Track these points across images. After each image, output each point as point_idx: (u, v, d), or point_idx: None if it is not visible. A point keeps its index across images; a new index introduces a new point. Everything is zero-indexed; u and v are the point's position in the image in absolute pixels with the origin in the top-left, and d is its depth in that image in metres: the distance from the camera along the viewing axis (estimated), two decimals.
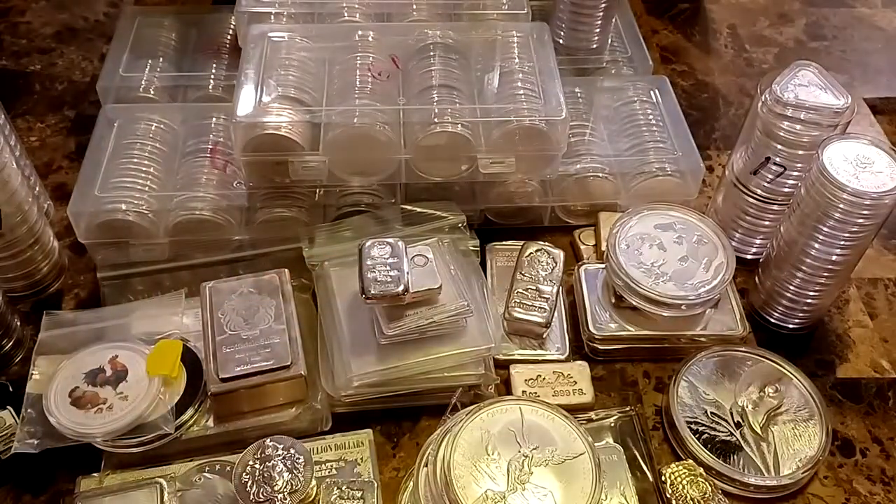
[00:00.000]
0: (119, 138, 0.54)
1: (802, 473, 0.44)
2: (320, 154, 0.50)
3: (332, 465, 0.42)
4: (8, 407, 0.44)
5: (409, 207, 0.53)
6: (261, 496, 0.38)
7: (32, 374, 0.45)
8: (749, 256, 0.56)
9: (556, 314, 0.50)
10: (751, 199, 0.53)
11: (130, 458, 0.42)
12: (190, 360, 0.45)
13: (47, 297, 0.52)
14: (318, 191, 0.54)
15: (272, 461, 0.39)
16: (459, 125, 0.50)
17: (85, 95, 0.66)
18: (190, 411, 0.43)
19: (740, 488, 0.44)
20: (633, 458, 0.44)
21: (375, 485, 0.42)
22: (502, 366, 0.48)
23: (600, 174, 0.56)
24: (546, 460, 0.35)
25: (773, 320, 0.52)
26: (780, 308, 0.51)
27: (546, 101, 0.52)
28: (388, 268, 0.43)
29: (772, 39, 0.76)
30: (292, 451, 0.40)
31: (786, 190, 0.51)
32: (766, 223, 0.54)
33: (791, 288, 0.50)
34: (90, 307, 0.50)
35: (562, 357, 0.49)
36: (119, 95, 0.59)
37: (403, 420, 0.46)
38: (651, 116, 0.60)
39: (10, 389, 0.46)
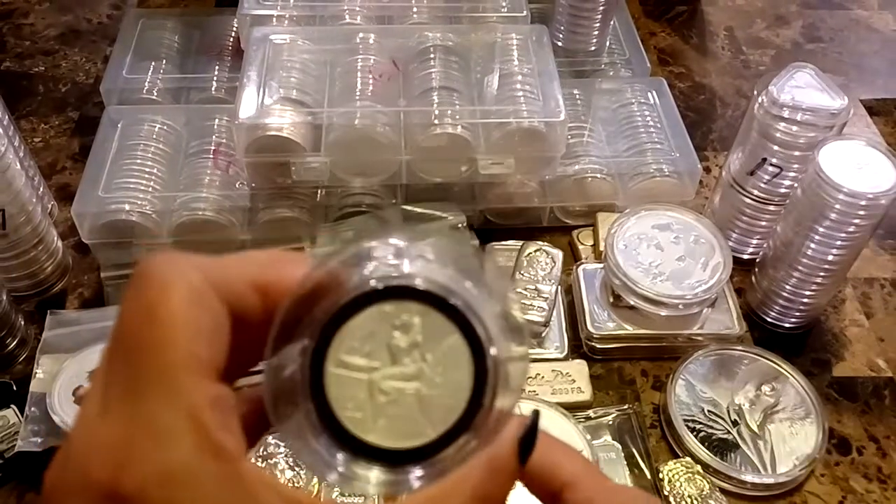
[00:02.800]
0: (122, 139, 0.54)
1: (799, 471, 0.44)
2: (322, 155, 0.50)
3: None
4: (12, 405, 0.45)
5: (409, 208, 0.53)
6: None
7: (36, 372, 0.45)
8: (746, 256, 0.56)
9: (554, 313, 0.50)
10: (747, 200, 0.54)
11: None
12: None
13: (51, 297, 0.52)
14: (319, 192, 0.54)
15: (275, 458, 0.40)
16: (459, 126, 0.51)
17: (88, 97, 0.66)
18: None
19: (737, 486, 0.44)
20: (631, 456, 0.45)
21: None
22: None
23: (598, 175, 0.57)
24: None
25: (769, 319, 0.53)
26: (777, 307, 0.52)
27: (545, 103, 0.52)
28: None
29: (769, 41, 0.77)
30: None
31: (782, 190, 0.52)
32: (763, 223, 0.54)
33: (787, 287, 0.50)
34: (94, 307, 0.51)
35: (560, 356, 0.49)
36: (122, 97, 0.59)
37: None
38: (649, 118, 0.60)
39: (14, 388, 0.46)
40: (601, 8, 0.62)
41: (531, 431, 0.17)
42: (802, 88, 0.50)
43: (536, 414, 0.17)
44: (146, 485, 0.15)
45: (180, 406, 0.15)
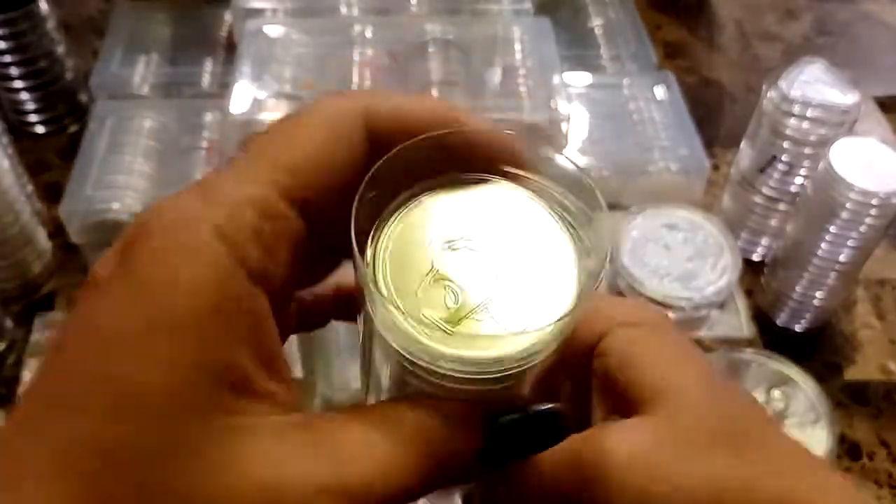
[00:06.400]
0: (112, 136, 0.53)
1: None
2: None
3: None
4: (1, 409, 0.44)
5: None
6: None
7: (24, 376, 0.44)
8: (755, 258, 0.55)
9: None
10: (757, 199, 0.52)
11: None
12: None
13: (40, 299, 0.51)
14: None
15: None
16: None
17: (78, 92, 0.65)
18: None
19: None
20: None
21: None
22: None
23: (603, 172, 0.55)
24: None
25: (779, 322, 0.51)
26: (787, 309, 0.51)
27: (548, 98, 0.51)
28: None
29: (778, 35, 0.75)
30: None
31: (793, 189, 0.51)
32: (773, 223, 0.53)
33: (798, 289, 0.49)
34: None
35: None
36: (112, 92, 0.58)
37: None
38: (655, 114, 0.59)
39: (3, 391, 0.45)
40: None
41: (516, 428, 0.15)
42: (813, 84, 0.48)
43: (543, 415, 0.15)
44: (154, 225, 0.14)
45: (237, 191, 0.14)
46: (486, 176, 0.17)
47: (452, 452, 0.15)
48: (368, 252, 0.15)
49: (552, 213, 0.17)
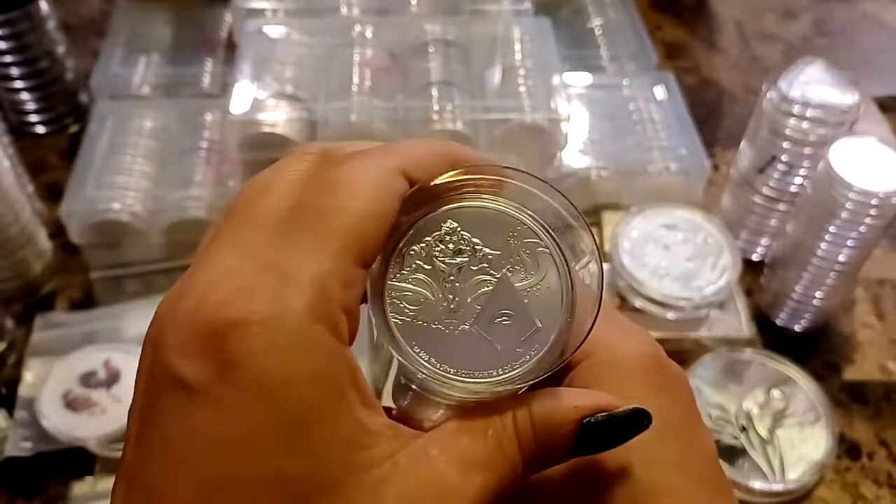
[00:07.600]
0: (112, 136, 0.53)
1: (809, 478, 0.43)
2: None
3: None
4: (1, 409, 0.44)
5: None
6: None
7: (25, 376, 0.44)
8: (755, 257, 0.55)
9: None
10: (757, 199, 0.52)
11: None
12: None
13: (40, 299, 0.51)
14: None
15: None
16: (459, 122, 0.50)
17: (78, 92, 0.65)
18: None
19: (745, 493, 0.43)
20: None
21: None
22: None
23: (603, 173, 0.55)
24: None
25: (779, 322, 0.52)
26: (787, 309, 0.51)
27: (548, 98, 0.51)
28: None
29: (778, 36, 0.75)
30: None
31: (792, 189, 0.51)
32: (773, 223, 0.53)
33: (797, 289, 0.49)
34: (83, 308, 0.50)
35: None
36: (112, 92, 0.58)
37: None
38: (655, 114, 0.59)
39: (4, 392, 0.45)
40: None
41: (605, 427, 0.16)
42: (812, 84, 0.48)
43: (630, 415, 0.16)
44: (250, 319, 0.14)
45: (319, 267, 0.15)
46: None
47: (550, 454, 0.16)
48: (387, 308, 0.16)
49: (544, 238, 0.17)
